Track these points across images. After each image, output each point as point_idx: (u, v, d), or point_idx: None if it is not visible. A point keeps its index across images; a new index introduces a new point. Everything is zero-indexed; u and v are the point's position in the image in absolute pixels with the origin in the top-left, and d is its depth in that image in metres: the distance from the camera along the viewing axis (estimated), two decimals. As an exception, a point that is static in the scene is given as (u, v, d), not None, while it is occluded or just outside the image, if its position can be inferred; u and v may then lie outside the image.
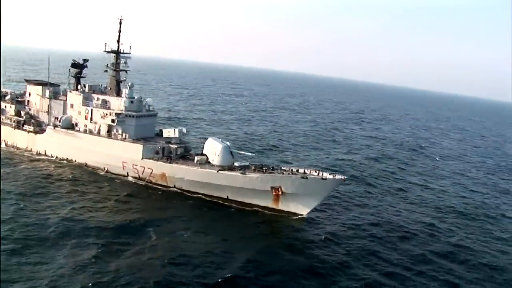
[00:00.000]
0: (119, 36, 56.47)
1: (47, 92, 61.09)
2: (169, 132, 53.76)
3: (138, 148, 51.80)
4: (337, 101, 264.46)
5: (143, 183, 52.00)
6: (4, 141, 62.02)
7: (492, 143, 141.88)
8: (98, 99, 56.73)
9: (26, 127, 60.95)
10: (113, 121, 53.96)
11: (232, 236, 41.01)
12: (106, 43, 56.37)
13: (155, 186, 51.53)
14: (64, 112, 59.83)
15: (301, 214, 46.84)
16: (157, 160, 51.16)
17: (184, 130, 54.32)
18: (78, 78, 60.75)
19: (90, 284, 28.92)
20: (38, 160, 57.24)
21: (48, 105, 61.04)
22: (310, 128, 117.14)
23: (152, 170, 51.41)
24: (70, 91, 59.54)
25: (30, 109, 63.31)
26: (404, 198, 59.17)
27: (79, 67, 60.55)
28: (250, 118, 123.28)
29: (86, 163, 55.93)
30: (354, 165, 73.82)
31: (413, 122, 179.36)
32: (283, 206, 47.48)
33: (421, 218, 51.10)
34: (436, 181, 71.92)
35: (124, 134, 53.58)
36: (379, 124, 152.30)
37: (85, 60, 61.06)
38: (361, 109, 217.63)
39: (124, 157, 52.71)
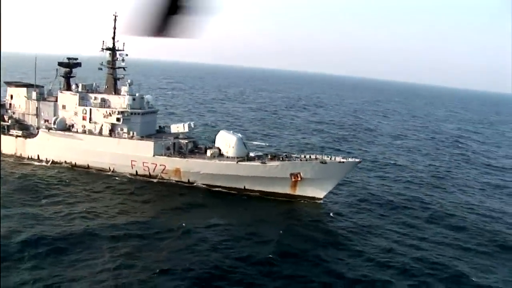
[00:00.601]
0: (114, 33, 55.07)
1: (34, 94, 57.99)
2: (178, 128, 53.67)
3: (149, 145, 51.28)
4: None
5: (155, 180, 51.70)
6: (-14, 148, 58.04)
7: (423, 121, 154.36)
8: (96, 98, 55.06)
9: (12, 131, 57.50)
10: (118, 119, 52.77)
11: (258, 222, 42.26)
12: (103, 41, 54.88)
13: (168, 182, 51.49)
14: (55, 114, 57.25)
15: (319, 198, 49.36)
16: (170, 156, 51.10)
17: (192, 124, 54.46)
18: (68, 78, 58.23)
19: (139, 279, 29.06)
20: (32, 165, 54.48)
21: (37, 108, 57.99)
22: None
23: (165, 167, 51.20)
24: (62, 92, 57.08)
25: (13, 113, 59.67)
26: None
27: (69, 66, 58.00)
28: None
29: (88, 165, 54.20)
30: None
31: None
32: (300, 191, 49.67)
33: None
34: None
35: (131, 132, 52.70)
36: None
37: (75, 59, 58.60)
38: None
39: (133, 155, 51.89)
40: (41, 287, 26.90)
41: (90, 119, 54.71)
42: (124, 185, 49.72)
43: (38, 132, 56.95)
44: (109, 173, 52.91)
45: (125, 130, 52.97)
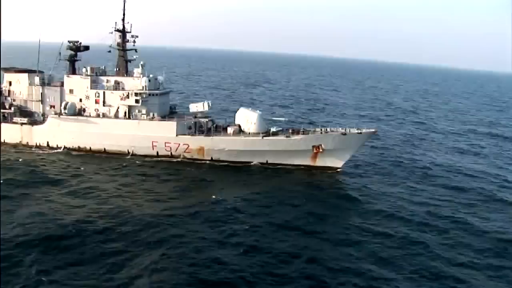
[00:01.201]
0: (123, 14, 54.21)
1: (37, 79, 55.67)
2: (197, 107, 54.27)
3: (172, 125, 51.65)
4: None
5: (178, 159, 52.30)
6: (-14, 137, 55.12)
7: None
8: (108, 81, 54.15)
9: (15, 119, 55.04)
10: (137, 101, 52.40)
11: (282, 192, 44.66)
12: (116, 22, 53.99)
13: (191, 161, 52.30)
14: (62, 99, 55.52)
15: (337, 167, 52.71)
16: (194, 135, 51.90)
17: (210, 103, 55.28)
18: (73, 61, 56.38)
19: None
20: (45, 153, 52.80)
21: (41, 93, 55.77)
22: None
23: (189, 146, 51.97)
24: (69, 76, 55.36)
25: (14, 100, 56.89)
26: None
27: (74, 50, 56.13)
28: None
29: (105, 149, 53.49)
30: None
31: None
32: (320, 162, 52.70)
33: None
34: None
35: (150, 114, 52.67)
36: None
37: (77, 42, 56.70)
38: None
39: (154, 136, 52.02)
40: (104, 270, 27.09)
41: (104, 102, 53.80)
42: (148, 167, 49.82)
43: (45, 118, 55.11)
44: (128, 156, 52.61)
45: (143, 111, 52.79)
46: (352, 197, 44.04)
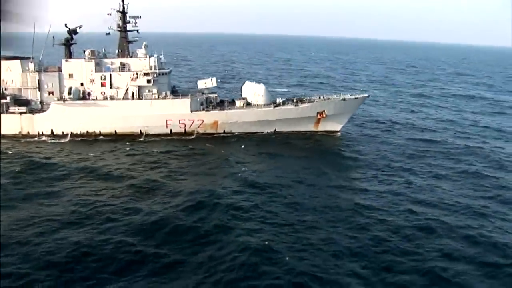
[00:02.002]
0: (123, -6, 53.78)
1: (31, 66, 53.10)
2: (206, 83, 55.91)
3: (186, 102, 53.02)
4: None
5: (193, 135, 53.88)
6: (-22, 131, 51.55)
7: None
8: (113, 63, 53.62)
9: (13, 108, 52.18)
10: (148, 81, 52.76)
11: (291, 154, 49.29)
12: (119, 3, 53.41)
13: (205, 135, 54.21)
14: (61, 84, 53.74)
15: (337, 131, 58.34)
16: (208, 110, 53.86)
17: (217, 79, 57.21)
18: (69, 45, 54.50)
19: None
20: (57, 142, 51.19)
21: (38, 80, 53.29)
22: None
23: (203, 121, 53.84)
24: (67, 60, 53.61)
25: (5, 89, 53.54)
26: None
27: (70, 33, 54.22)
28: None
29: (115, 131, 53.18)
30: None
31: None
32: (321, 127, 57.86)
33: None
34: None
35: (163, 93, 53.42)
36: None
37: (79, 27, 54.88)
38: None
39: (168, 114, 53.02)
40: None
41: (111, 85, 53.26)
42: (166, 145, 50.79)
43: (43, 106, 53.08)
44: (142, 138, 52.78)
45: (154, 91, 53.36)
46: (350, 157, 49.10)
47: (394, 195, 36.87)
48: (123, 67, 53.52)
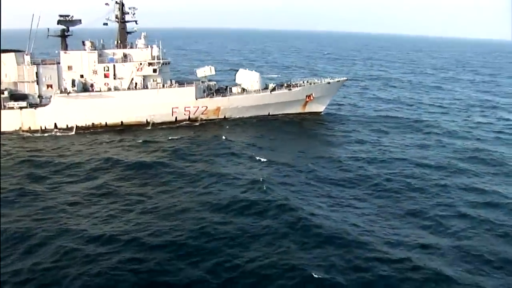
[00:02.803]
0: (121, -15, 53.84)
1: (27, 58, 51.12)
2: (205, 71, 58.18)
3: (191, 90, 55.12)
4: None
5: (197, 122, 56.20)
6: (-27, 129, 48.74)
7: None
8: (114, 54, 53.71)
9: (12, 104, 50.04)
10: (154, 70, 53.81)
11: (282, 133, 54.75)
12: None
13: (208, 121, 56.89)
14: (60, 77, 52.55)
15: (320, 111, 64.50)
16: (212, 97, 56.49)
17: (214, 68, 59.67)
18: (65, 37, 53.17)
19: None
20: (66, 135, 50.26)
21: (36, 73, 51.46)
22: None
23: (207, 107, 56.41)
24: (66, 52, 52.52)
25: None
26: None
27: (66, 24, 52.85)
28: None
29: (122, 122, 53.58)
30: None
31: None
32: (308, 108, 63.58)
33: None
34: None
35: (168, 81, 54.86)
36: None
37: (67, 16, 53.44)
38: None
39: (174, 102, 54.71)
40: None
41: (114, 75, 53.39)
42: (176, 132, 52.64)
43: (42, 100, 51.71)
44: (149, 127, 53.80)
45: (159, 80, 54.58)
46: (334, 132, 56.15)
47: (365, 153, 45.55)
48: (125, 58, 53.93)
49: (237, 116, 58.92)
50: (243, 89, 59.75)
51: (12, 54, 51.15)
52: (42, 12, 50.63)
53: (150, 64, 54.06)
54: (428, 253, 25.57)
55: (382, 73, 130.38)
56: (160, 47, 56.41)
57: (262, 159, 42.13)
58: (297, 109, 62.91)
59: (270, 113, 61.16)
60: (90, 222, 28.42)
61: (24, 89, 51.97)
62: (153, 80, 54.60)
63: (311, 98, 62.56)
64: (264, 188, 33.77)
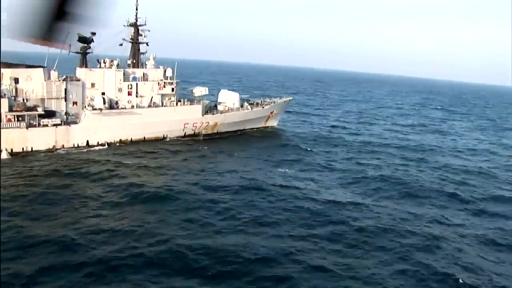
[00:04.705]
0: (136, 9, 56.50)
1: (55, 74, 49.43)
2: (201, 91, 64.51)
3: (199, 108, 61.46)
4: None
5: (201, 136, 62.65)
6: (6, 149, 45.15)
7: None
8: (134, 72, 56.13)
9: (45, 121, 47.86)
10: (172, 89, 58.20)
11: (252, 142, 67.40)
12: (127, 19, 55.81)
13: (207, 135, 63.96)
14: (83, 94, 52.23)
15: (275, 126, 77.98)
16: (214, 114, 63.78)
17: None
18: (85, 54, 52.62)
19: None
20: (101, 152, 50.53)
21: (65, 89, 49.88)
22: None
23: (209, 123, 63.46)
24: (91, 69, 52.55)
25: (27, 100, 47.36)
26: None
27: (86, 41, 52.26)
28: None
29: (144, 137, 56.28)
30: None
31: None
32: (268, 123, 76.33)
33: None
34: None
35: (182, 100, 59.89)
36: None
37: (93, 33, 52.84)
38: None
39: (186, 119, 60.17)
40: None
41: (137, 93, 55.78)
42: (193, 146, 58.87)
43: (69, 117, 50.82)
44: (166, 140, 58.19)
45: (172, 99, 59.27)
46: (289, 139, 71.32)
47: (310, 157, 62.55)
48: (145, 77, 57.00)
49: (225, 130, 67.51)
50: (227, 107, 68.71)
51: (41, 69, 48.98)
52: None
53: (170, 83, 58.54)
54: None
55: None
56: (175, 68, 60.95)
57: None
58: (261, 124, 74.89)
59: (245, 128, 71.59)
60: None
61: (52, 105, 49.99)
62: (168, 98, 59.10)
63: (273, 114, 75.63)
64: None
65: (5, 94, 46.19)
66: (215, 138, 63.38)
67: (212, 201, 35.98)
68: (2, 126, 44.76)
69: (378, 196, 41.38)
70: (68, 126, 49.87)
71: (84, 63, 53.49)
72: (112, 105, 54.37)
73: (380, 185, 44.78)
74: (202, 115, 62.43)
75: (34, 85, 48.83)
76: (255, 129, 72.69)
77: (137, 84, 56.41)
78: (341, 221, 33.67)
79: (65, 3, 3.75)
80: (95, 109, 51.92)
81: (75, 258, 24.64)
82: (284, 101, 76.97)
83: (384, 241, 30.55)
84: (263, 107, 72.27)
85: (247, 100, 74.61)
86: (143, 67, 58.77)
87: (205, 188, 39.39)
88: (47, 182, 38.00)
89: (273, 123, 76.72)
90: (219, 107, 67.57)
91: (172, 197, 36.10)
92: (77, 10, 3.86)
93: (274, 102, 75.56)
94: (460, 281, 25.51)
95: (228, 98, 69.73)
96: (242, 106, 70.11)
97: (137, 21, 58.03)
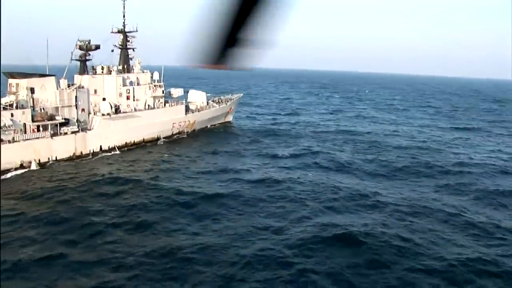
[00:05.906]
0: (124, 16, 58.00)
1: (65, 82, 49.47)
2: (178, 92, 67.86)
3: (183, 107, 65.35)
4: None
5: (184, 134, 66.63)
6: (34, 160, 44.77)
7: None
8: (128, 77, 57.89)
9: (65, 129, 48.01)
10: (163, 92, 61.07)
11: (223, 137, 76.38)
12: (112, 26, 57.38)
13: (188, 132, 68.18)
14: (89, 100, 52.87)
15: (230, 121, 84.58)
16: (194, 112, 68.05)
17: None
18: (85, 61, 52.76)
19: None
20: (116, 157, 52.13)
21: (76, 97, 49.99)
22: None
23: (189, 121, 67.67)
24: (93, 76, 53.23)
25: (43, 109, 46.58)
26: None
27: (86, 49, 52.36)
28: None
29: (143, 139, 58.60)
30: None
31: None
32: (226, 119, 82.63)
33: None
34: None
35: (170, 102, 63.05)
36: None
37: (97, 47, 53.01)
38: None
39: (174, 119, 63.69)
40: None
41: (134, 97, 57.70)
42: (188, 143, 63.24)
43: (79, 123, 51.37)
44: (161, 142, 61.08)
45: (161, 100, 62.27)
46: (247, 132, 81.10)
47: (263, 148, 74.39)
48: (137, 81, 59.10)
49: (199, 127, 72.25)
50: (197, 106, 73.36)
51: (53, 78, 48.61)
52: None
53: (160, 86, 61.40)
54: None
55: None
56: (162, 72, 63.38)
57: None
58: (221, 120, 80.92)
59: (212, 124, 77.06)
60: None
61: (65, 113, 49.86)
62: (158, 100, 61.99)
63: (231, 110, 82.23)
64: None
65: (25, 105, 45.55)
66: (198, 136, 68.00)
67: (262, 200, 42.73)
68: (27, 137, 44.49)
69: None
70: (85, 132, 50.54)
71: (84, 70, 53.89)
72: (117, 110, 55.81)
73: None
74: (185, 114, 66.54)
75: (48, 94, 48.45)
76: (217, 125, 78.55)
77: (133, 88, 58.42)
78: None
79: (238, 31, 3.58)
80: (104, 114, 53.12)
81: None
82: (237, 98, 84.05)
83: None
84: (226, 104, 78.47)
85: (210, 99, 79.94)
86: (132, 72, 60.64)
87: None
88: (107, 190, 38.51)
89: (230, 118, 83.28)
90: (191, 106, 71.94)
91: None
92: (249, 36, 3.63)
93: (232, 99, 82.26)
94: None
95: (197, 97, 74.38)
96: (207, 104, 75.42)
97: (125, 27, 59.70)
